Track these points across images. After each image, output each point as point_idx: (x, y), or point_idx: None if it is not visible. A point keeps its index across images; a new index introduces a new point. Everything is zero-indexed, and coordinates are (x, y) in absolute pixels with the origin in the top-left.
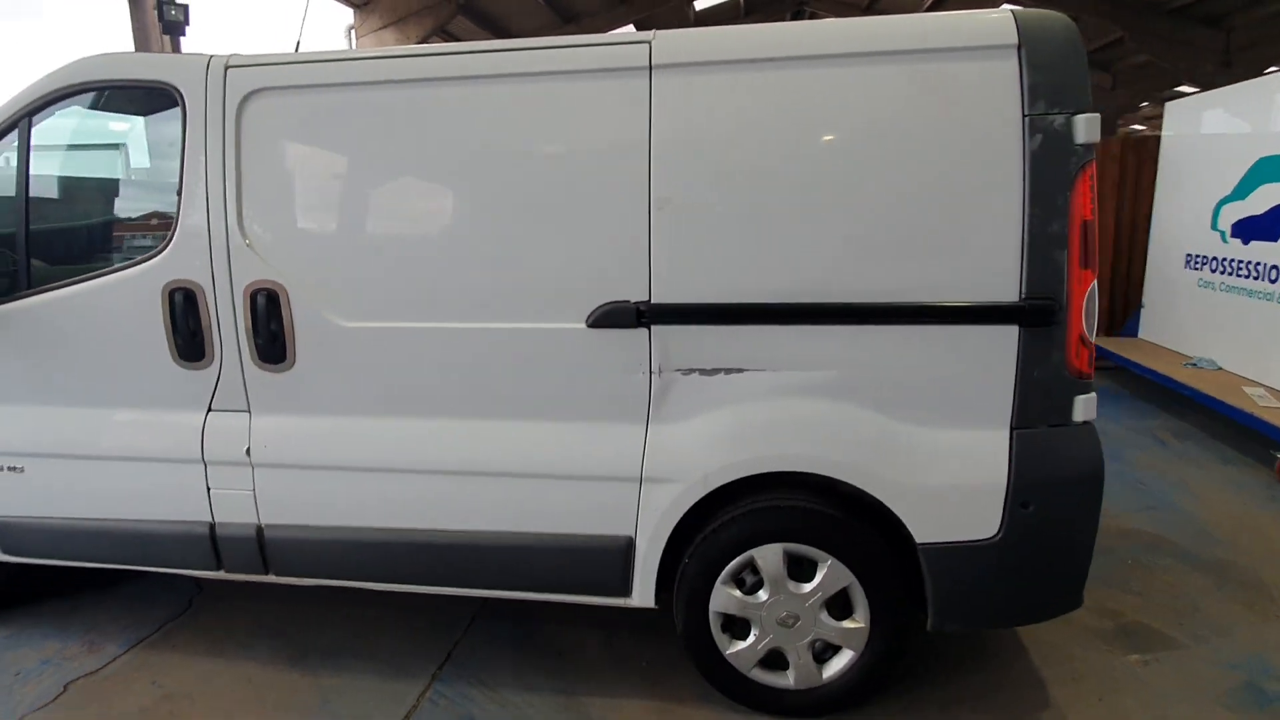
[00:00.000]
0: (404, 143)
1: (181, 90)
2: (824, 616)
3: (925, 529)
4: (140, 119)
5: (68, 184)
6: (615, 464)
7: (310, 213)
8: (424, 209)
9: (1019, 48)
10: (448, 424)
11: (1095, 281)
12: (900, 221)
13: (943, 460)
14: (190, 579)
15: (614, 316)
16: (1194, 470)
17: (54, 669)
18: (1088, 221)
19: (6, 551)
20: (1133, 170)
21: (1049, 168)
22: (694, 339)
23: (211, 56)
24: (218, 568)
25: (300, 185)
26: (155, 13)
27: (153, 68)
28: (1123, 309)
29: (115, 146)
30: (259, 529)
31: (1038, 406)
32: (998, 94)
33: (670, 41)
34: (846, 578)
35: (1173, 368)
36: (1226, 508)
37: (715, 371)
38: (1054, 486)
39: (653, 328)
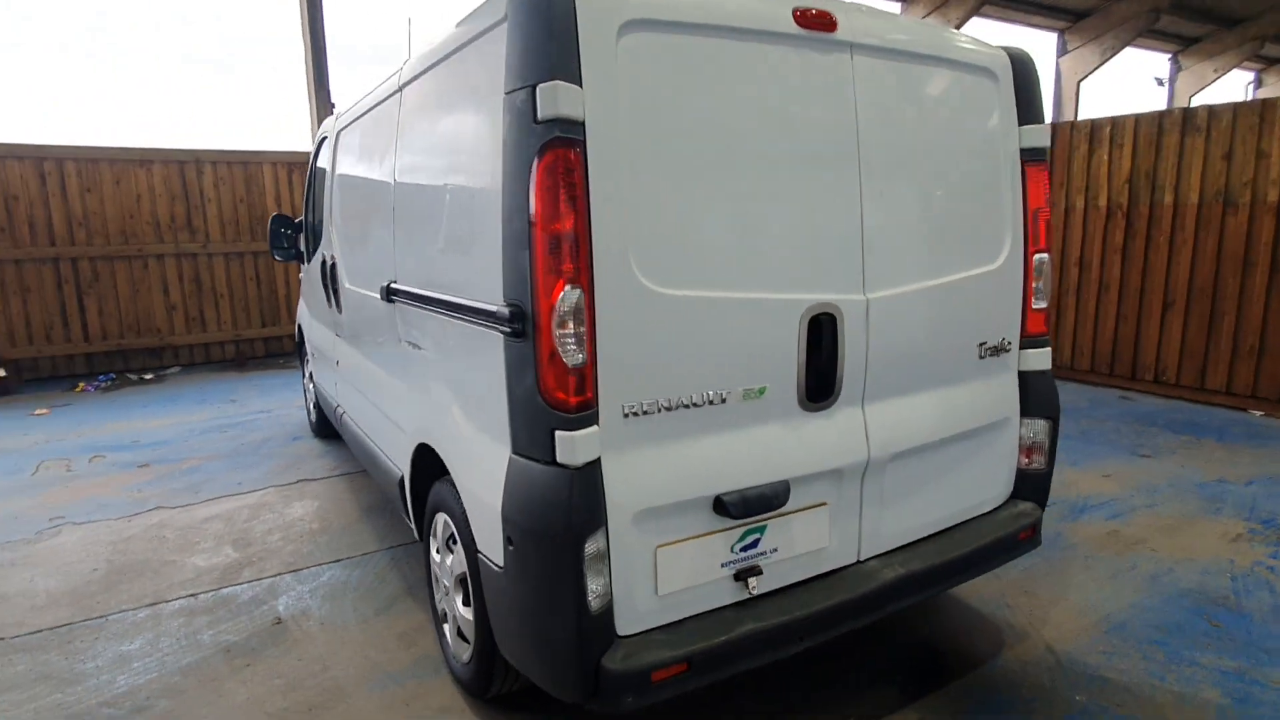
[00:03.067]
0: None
1: (324, 138)
2: (458, 596)
3: (479, 535)
4: None
5: (314, 195)
6: (397, 412)
7: (336, 212)
8: (351, 210)
9: (504, 19)
10: (361, 360)
11: (575, 290)
12: (458, 217)
13: (481, 467)
14: None
15: (383, 292)
16: None
17: (309, 473)
18: (551, 215)
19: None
20: None
21: (514, 153)
22: (403, 316)
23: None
24: (340, 438)
25: (332, 195)
26: None
27: (324, 130)
28: None
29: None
30: (341, 413)
31: (524, 433)
32: (496, 74)
33: (407, 66)
34: (464, 564)
35: None
36: None
37: (415, 346)
38: (524, 532)
39: (395, 304)
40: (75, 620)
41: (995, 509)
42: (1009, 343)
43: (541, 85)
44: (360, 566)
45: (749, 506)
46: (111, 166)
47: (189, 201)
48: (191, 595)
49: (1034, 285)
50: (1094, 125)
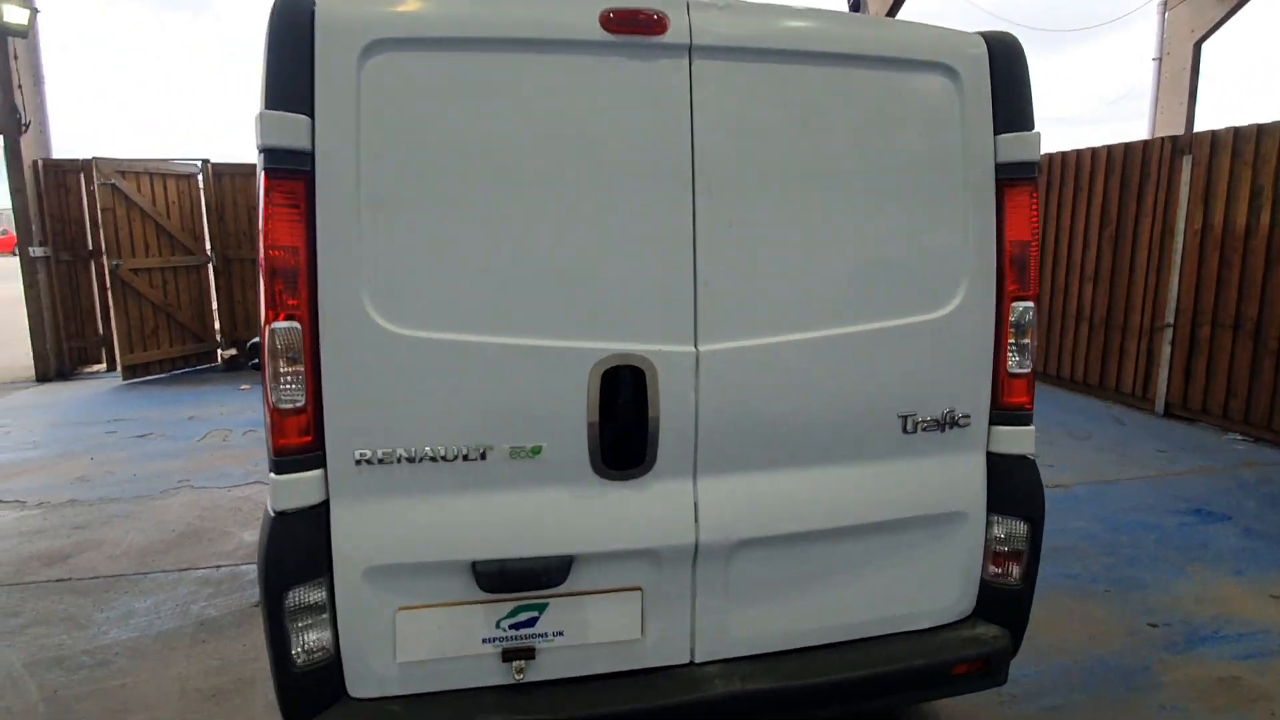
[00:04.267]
0: None
1: None
2: None
3: None
4: None
5: None
6: None
7: None
8: None
9: None
10: None
11: (291, 325)
12: None
13: None
14: None
15: None
16: None
17: None
18: (271, 246)
19: None
20: None
21: (258, 182)
22: None
23: None
24: None
25: None
26: None
27: None
28: None
29: None
30: None
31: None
32: None
33: None
34: None
35: None
36: None
37: None
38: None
39: None
40: (128, 573)
41: (938, 626)
42: (964, 417)
43: (259, 114)
44: None
45: (509, 580)
46: None
47: None
48: (215, 566)
49: (1010, 342)
50: None
